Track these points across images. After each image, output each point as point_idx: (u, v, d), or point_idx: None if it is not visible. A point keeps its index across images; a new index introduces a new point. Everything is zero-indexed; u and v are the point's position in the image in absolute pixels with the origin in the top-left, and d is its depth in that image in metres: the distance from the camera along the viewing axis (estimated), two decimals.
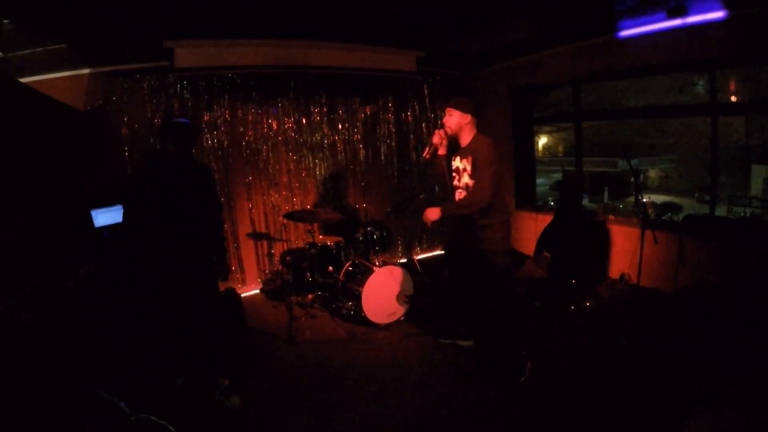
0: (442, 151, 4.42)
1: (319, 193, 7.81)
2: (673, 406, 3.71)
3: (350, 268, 6.08)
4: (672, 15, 5.55)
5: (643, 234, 5.28)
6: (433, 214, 4.26)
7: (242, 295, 6.76)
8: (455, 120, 4.28)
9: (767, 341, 4.34)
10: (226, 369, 4.40)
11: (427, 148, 4.36)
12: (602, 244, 7.10)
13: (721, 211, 6.91)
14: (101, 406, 3.58)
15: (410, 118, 8.63)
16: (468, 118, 4.27)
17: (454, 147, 4.45)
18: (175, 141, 3.90)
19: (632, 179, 5.65)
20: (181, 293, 4.11)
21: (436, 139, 4.32)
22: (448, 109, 4.32)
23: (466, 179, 4.31)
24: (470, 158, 4.22)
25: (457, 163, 4.41)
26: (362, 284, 5.47)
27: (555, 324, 5.51)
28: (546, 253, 7.14)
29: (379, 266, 5.62)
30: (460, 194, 4.41)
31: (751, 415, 3.43)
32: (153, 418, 3.58)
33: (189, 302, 4.14)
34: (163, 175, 3.84)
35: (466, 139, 4.34)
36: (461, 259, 4.79)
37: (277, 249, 7.48)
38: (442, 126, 4.37)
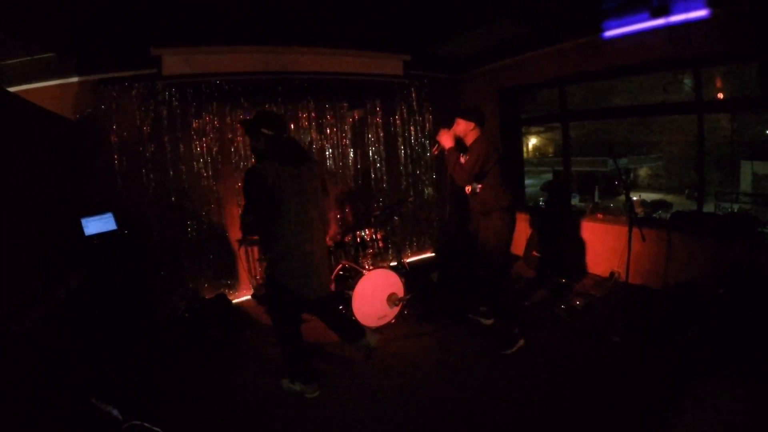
0: (436, 152, 5.14)
1: None
2: (665, 401, 3.75)
3: (340, 272, 6.09)
4: (655, 14, 5.61)
5: (630, 232, 5.31)
6: (447, 141, 4.93)
7: (233, 301, 6.78)
8: (460, 127, 5.01)
9: (756, 335, 4.38)
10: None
11: (436, 146, 5.09)
12: (591, 243, 7.14)
13: (709, 208, 6.94)
14: (94, 414, 3.58)
15: (398, 121, 8.66)
16: (471, 125, 4.97)
17: (461, 146, 5.04)
18: None
19: (622, 177, 5.70)
20: None
21: (443, 135, 4.96)
22: (456, 118, 5.05)
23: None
24: (470, 154, 4.85)
25: (463, 160, 4.93)
26: (352, 288, 5.49)
27: (546, 323, 5.55)
28: (535, 253, 7.19)
29: (369, 269, 5.64)
30: (472, 187, 5.02)
31: (742, 410, 3.47)
32: (146, 424, 3.59)
33: None
34: None
35: (468, 141, 5.00)
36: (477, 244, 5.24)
37: None
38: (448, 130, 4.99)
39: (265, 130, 3.98)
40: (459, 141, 5.04)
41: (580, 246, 7.25)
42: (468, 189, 5.06)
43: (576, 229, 7.32)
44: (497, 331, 5.33)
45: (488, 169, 4.80)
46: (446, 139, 4.92)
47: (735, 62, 7.21)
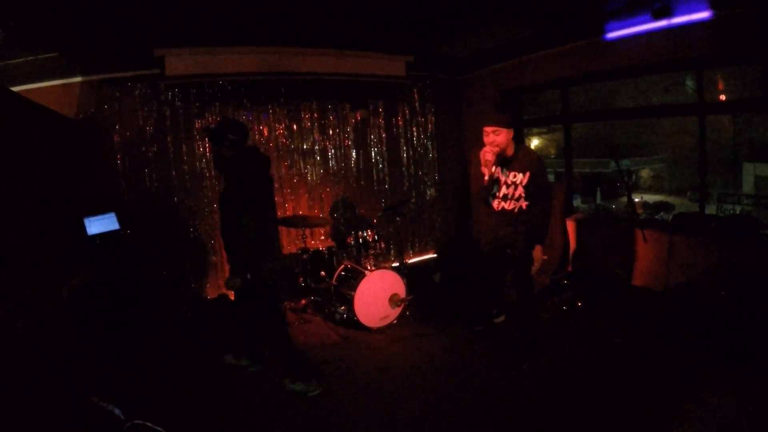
0: (490, 171, 4.39)
1: (311, 198, 7.83)
2: (665, 402, 3.75)
3: (342, 273, 6.10)
4: (657, 16, 5.60)
5: (633, 233, 5.33)
6: (489, 168, 4.33)
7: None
8: (503, 137, 4.29)
9: (757, 337, 4.38)
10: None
11: (486, 169, 4.36)
12: (593, 244, 7.14)
13: (712, 209, 6.96)
14: (96, 413, 3.59)
15: (401, 122, 8.67)
16: (512, 132, 4.36)
17: (504, 161, 4.47)
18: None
19: (624, 179, 5.70)
20: None
21: (490, 157, 4.29)
22: (493, 129, 4.28)
23: (520, 191, 4.43)
24: (528, 174, 4.34)
25: (506, 176, 4.47)
26: (354, 288, 5.50)
27: (547, 324, 5.55)
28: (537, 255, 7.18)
29: (371, 270, 5.65)
30: (507, 204, 4.53)
31: (742, 411, 3.48)
32: (148, 424, 3.59)
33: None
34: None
35: (510, 151, 4.43)
36: (502, 255, 4.78)
37: None
38: (490, 148, 4.31)
39: (231, 136, 4.17)
40: (501, 156, 4.42)
41: (582, 247, 7.25)
42: (506, 206, 4.55)
43: (578, 230, 7.31)
44: (508, 336, 5.23)
45: None
46: (489, 165, 4.34)
47: (737, 64, 7.23)
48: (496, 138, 4.27)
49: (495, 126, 4.26)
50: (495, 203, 4.60)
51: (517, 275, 4.81)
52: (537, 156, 4.49)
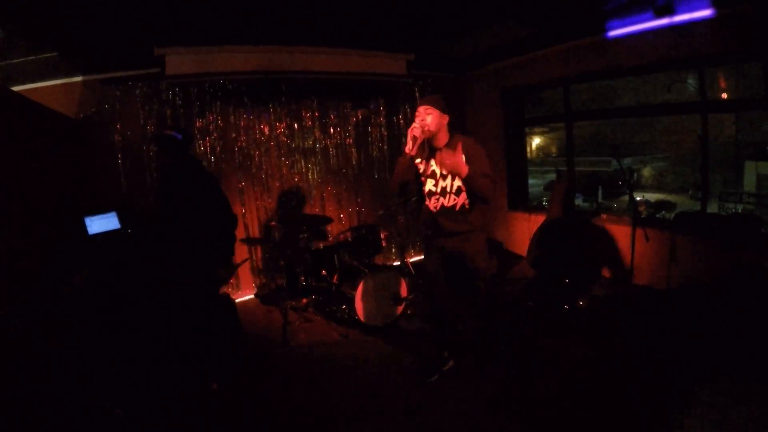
0: (414, 152, 3.89)
1: (311, 197, 7.82)
2: (666, 402, 3.74)
3: (344, 272, 6.09)
4: (659, 14, 5.60)
5: (634, 232, 5.31)
6: (461, 166, 3.69)
7: (237, 300, 6.78)
8: (435, 120, 3.93)
9: (759, 336, 4.37)
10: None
11: (411, 143, 3.82)
12: (595, 243, 7.12)
13: (713, 208, 6.94)
14: (96, 413, 3.59)
15: (402, 121, 8.65)
16: (446, 118, 4.01)
17: (423, 150, 4.12)
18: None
19: (626, 177, 5.69)
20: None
21: (417, 133, 3.81)
22: (425, 108, 3.94)
23: (458, 183, 3.98)
24: (462, 157, 3.73)
25: (439, 167, 4.05)
26: (355, 287, 5.49)
27: (549, 324, 5.54)
28: (539, 254, 7.17)
29: (372, 269, 5.64)
30: (446, 200, 4.10)
31: (746, 410, 3.46)
32: (148, 423, 3.59)
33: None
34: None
35: (442, 141, 4.05)
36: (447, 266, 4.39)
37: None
38: (420, 125, 3.86)
39: (190, 149, 4.71)
40: (433, 146, 4.11)
41: (583, 246, 7.24)
42: (445, 203, 4.11)
43: (579, 229, 7.30)
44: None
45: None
46: (416, 144, 3.83)
47: (739, 62, 7.21)
48: (424, 120, 3.90)
49: (427, 105, 3.94)
50: (432, 202, 4.18)
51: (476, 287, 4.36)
52: (473, 141, 4.01)
